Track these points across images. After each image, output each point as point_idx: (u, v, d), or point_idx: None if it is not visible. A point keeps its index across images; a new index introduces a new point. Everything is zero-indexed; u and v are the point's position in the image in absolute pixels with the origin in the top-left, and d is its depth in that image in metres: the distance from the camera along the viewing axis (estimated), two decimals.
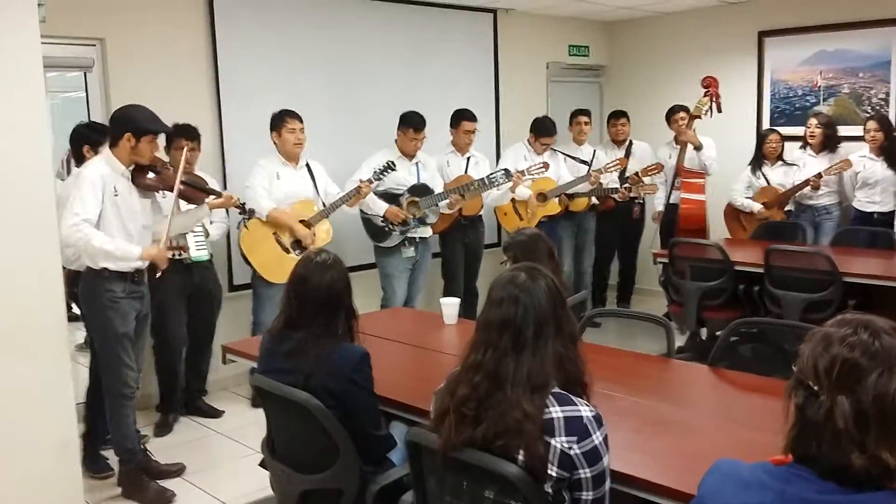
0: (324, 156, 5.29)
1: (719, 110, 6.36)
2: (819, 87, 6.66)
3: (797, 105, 6.77)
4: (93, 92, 4.89)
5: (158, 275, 3.88)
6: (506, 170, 5.67)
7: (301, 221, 4.94)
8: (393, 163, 5.15)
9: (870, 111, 6.30)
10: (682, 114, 6.38)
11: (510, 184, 5.72)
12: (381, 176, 5.10)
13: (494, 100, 6.87)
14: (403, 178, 5.39)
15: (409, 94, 6.04)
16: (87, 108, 4.93)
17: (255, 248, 4.88)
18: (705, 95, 6.33)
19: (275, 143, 4.94)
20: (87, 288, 3.70)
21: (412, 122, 5.39)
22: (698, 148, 6.23)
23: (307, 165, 5.07)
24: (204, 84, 5.19)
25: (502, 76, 6.89)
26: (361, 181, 5.02)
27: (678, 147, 6.42)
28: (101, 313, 3.67)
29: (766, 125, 6.81)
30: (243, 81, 5.31)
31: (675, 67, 7.33)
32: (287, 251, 4.89)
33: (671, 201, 6.50)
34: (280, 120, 4.90)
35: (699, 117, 6.29)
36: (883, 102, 6.32)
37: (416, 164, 5.49)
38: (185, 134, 4.47)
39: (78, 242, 3.54)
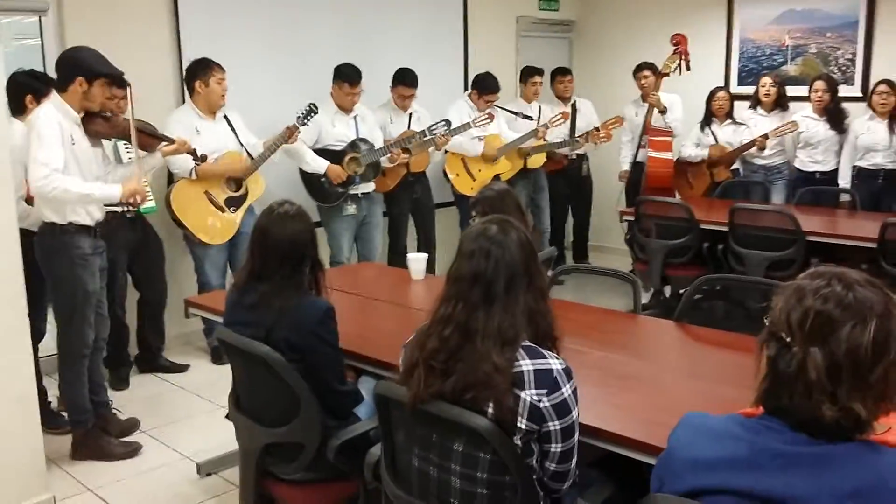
0: (283, 115, 5.14)
1: (688, 68, 6.34)
2: (786, 46, 6.67)
3: (765, 64, 6.78)
4: (47, 37, 4.70)
5: (135, 209, 3.77)
6: (446, 120, 5.62)
7: (231, 178, 4.79)
8: (314, 105, 4.91)
9: (836, 72, 6.34)
10: (646, 71, 6.34)
11: (472, 130, 5.72)
12: (305, 120, 4.87)
13: (463, 54, 6.77)
14: (342, 133, 5.24)
15: (376, 47, 5.92)
16: (42, 56, 4.74)
17: (188, 209, 4.68)
18: (674, 53, 6.30)
19: (197, 92, 4.69)
20: (51, 246, 3.52)
21: (346, 76, 5.19)
22: (663, 112, 6.23)
23: (225, 117, 4.84)
24: (164, 29, 5.02)
25: (471, 30, 6.79)
26: (288, 127, 4.78)
27: (645, 105, 6.40)
28: (70, 272, 3.52)
29: (733, 84, 6.83)
30: (204, 27, 5.14)
31: (645, 24, 7.28)
32: (222, 210, 4.76)
33: (637, 160, 6.50)
34: (208, 68, 4.66)
35: (667, 75, 6.27)
36: (849, 63, 6.35)
37: (355, 117, 5.32)
38: (118, 83, 4.03)
39: (52, 192, 3.33)
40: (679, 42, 6.32)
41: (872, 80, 6.13)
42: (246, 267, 2.60)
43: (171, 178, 4.80)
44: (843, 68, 6.36)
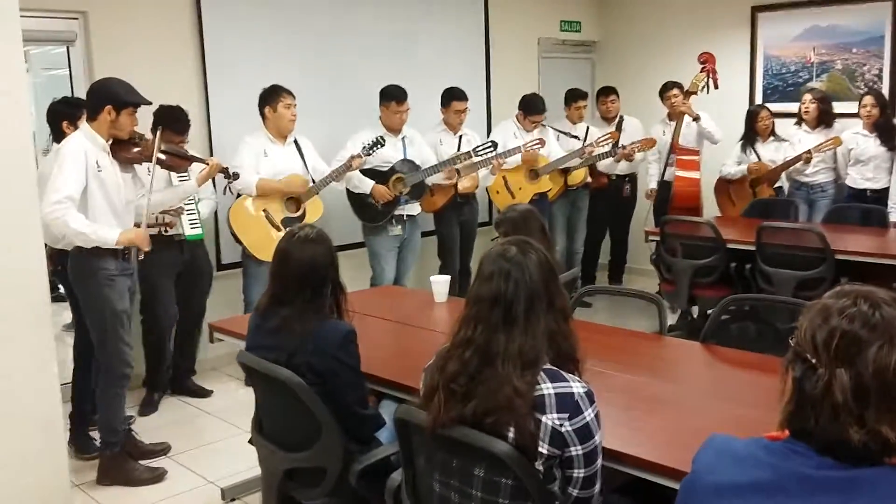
0: (309, 133, 5.20)
1: (716, 86, 6.28)
2: (812, 62, 6.61)
3: (790, 81, 6.72)
4: (75, 67, 4.80)
5: (141, 257, 3.79)
6: (493, 141, 5.65)
7: (291, 198, 4.89)
8: (382, 137, 5.09)
9: (863, 87, 6.26)
10: (675, 90, 6.31)
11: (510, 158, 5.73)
12: (370, 151, 5.02)
13: (485, 76, 6.79)
14: (390, 154, 5.31)
15: (399, 70, 5.94)
16: (70, 84, 4.83)
17: (246, 227, 4.81)
18: (702, 71, 6.25)
19: (267, 117, 4.85)
20: (79, 267, 3.62)
21: (394, 95, 5.30)
22: (697, 119, 6.16)
23: (295, 142, 4.99)
24: (190, 57, 5.10)
25: (493, 52, 6.81)
26: (353, 156, 4.96)
27: (672, 123, 6.37)
28: (97, 292, 3.60)
29: (758, 101, 6.76)
30: (230, 55, 5.22)
31: (668, 43, 7.26)
32: (278, 229, 4.83)
33: (665, 178, 6.45)
34: (276, 95, 4.81)
35: (695, 93, 6.22)
36: (876, 78, 6.28)
37: (403, 139, 5.40)
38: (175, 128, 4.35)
39: (54, 222, 3.42)
40: (707, 60, 6.27)
41: None
42: (268, 291, 2.61)
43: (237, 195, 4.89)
44: (870, 84, 6.27)
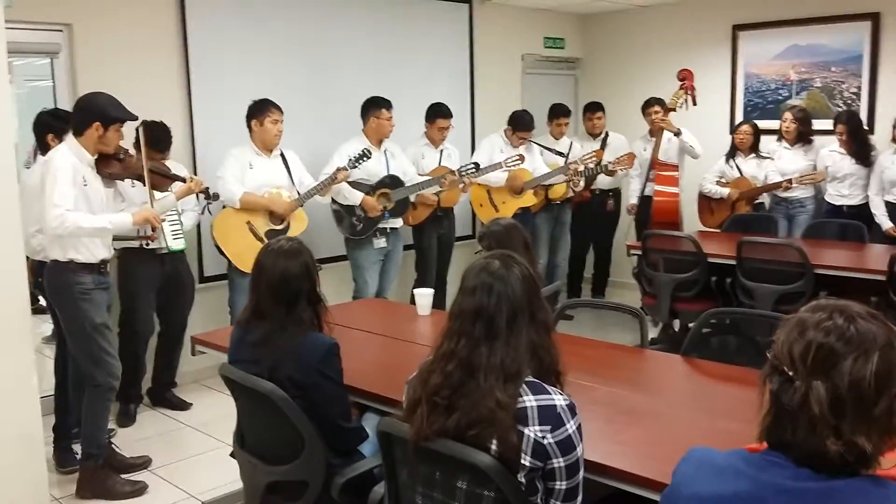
0: (294, 146, 5.21)
1: (694, 103, 6.36)
2: (792, 81, 6.70)
3: (770, 99, 6.80)
4: (59, 79, 4.77)
5: (151, 235, 3.90)
6: (475, 163, 5.70)
7: (273, 213, 4.88)
8: (368, 150, 5.11)
9: (842, 105, 6.35)
10: (656, 107, 6.38)
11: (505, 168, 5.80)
12: (356, 164, 5.04)
13: (470, 91, 6.83)
14: (374, 168, 5.33)
15: (384, 84, 5.97)
16: (53, 97, 4.81)
17: (229, 238, 4.80)
18: (681, 88, 6.32)
19: (253, 130, 4.85)
20: (55, 282, 3.61)
21: (382, 103, 5.35)
22: (678, 133, 6.22)
23: (281, 155, 5.00)
24: (174, 70, 5.09)
25: (478, 67, 6.86)
26: (339, 168, 4.97)
27: (653, 140, 6.43)
28: (74, 306, 3.58)
29: (739, 118, 6.84)
30: (214, 68, 5.22)
31: (650, 60, 7.34)
32: (262, 240, 4.83)
33: (646, 193, 6.50)
34: (264, 109, 4.82)
35: (674, 110, 6.29)
36: (854, 97, 6.37)
37: (385, 151, 5.43)
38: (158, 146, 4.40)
39: (65, 232, 3.43)
40: (685, 77, 6.34)
41: (878, 114, 6.15)
42: (248, 304, 2.61)
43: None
44: (849, 102, 6.36)
